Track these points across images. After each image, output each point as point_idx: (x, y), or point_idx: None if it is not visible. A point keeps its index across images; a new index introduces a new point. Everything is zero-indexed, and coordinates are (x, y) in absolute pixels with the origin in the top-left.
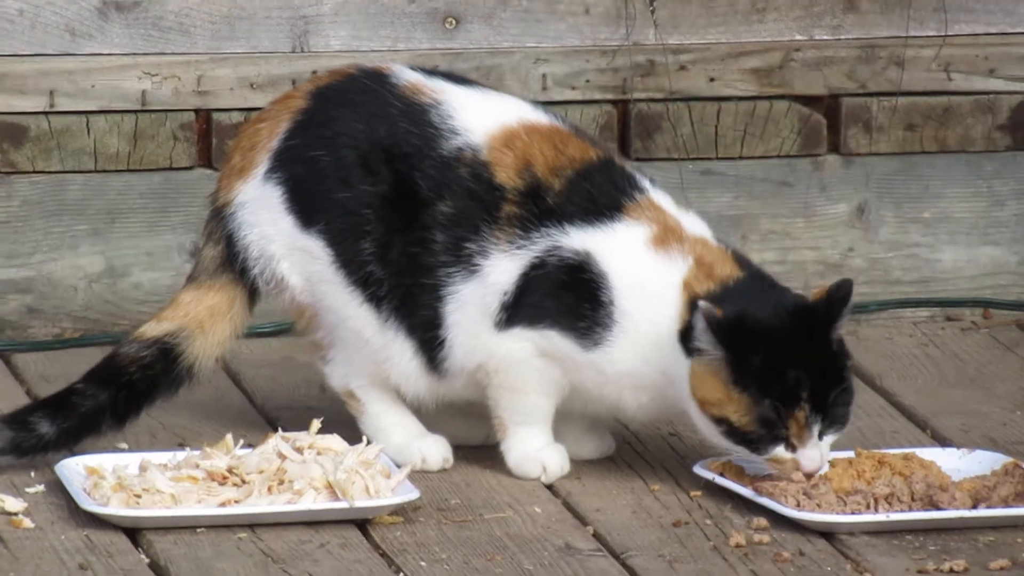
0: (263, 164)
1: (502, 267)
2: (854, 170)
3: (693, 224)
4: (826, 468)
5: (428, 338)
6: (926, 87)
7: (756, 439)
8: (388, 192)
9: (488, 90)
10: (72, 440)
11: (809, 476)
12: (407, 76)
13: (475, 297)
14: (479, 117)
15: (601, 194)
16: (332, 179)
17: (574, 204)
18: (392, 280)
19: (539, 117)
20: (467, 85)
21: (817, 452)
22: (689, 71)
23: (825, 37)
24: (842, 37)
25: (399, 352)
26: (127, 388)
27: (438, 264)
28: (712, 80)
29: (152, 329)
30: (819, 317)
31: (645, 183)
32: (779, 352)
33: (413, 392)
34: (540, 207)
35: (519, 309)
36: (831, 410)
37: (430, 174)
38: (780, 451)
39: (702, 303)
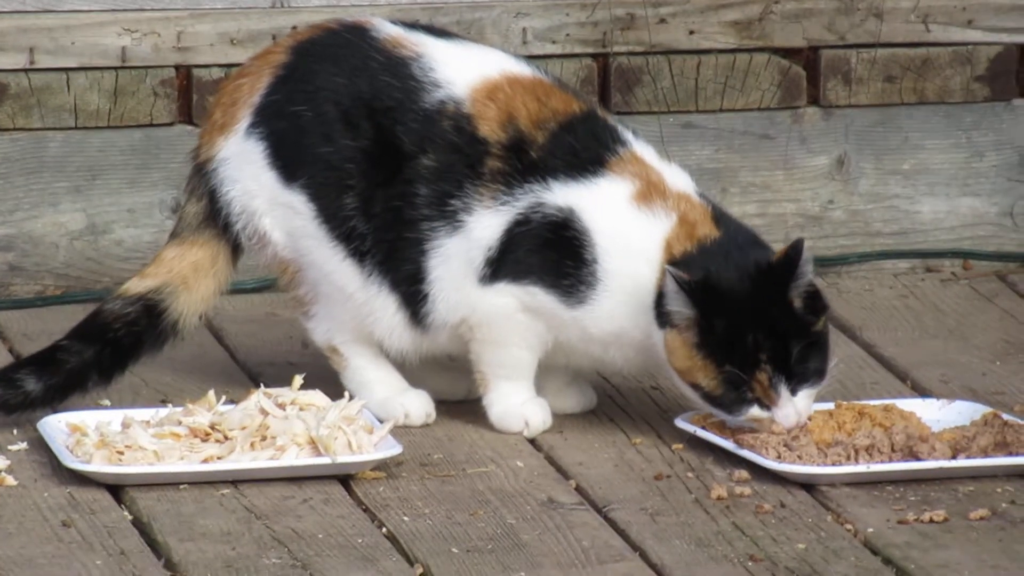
0: (245, 119)
1: (486, 223)
2: (834, 122)
3: (676, 178)
4: (805, 418)
5: (411, 292)
6: (905, 38)
7: (728, 403)
8: (370, 147)
9: (469, 43)
10: (59, 396)
11: (791, 431)
12: (387, 30)
13: (459, 252)
14: (461, 70)
15: (584, 148)
16: (314, 134)
17: (557, 158)
18: (375, 235)
19: (522, 69)
20: (448, 38)
21: (791, 409)
22: (669, 24)
23: None
24: None
25: (383, 307)
26: (112, 344)
27: (421, 218)
28: (692, 33)
29: (136, 286)
30: (775, 278)
31: (628, 136)
32: (736, 315)
33: (397, 347)
34: (523, 162)
35: (503, 265)
36: (796, 368)
37: (412, 127)
38: (756, 411)
39: (669, 267)
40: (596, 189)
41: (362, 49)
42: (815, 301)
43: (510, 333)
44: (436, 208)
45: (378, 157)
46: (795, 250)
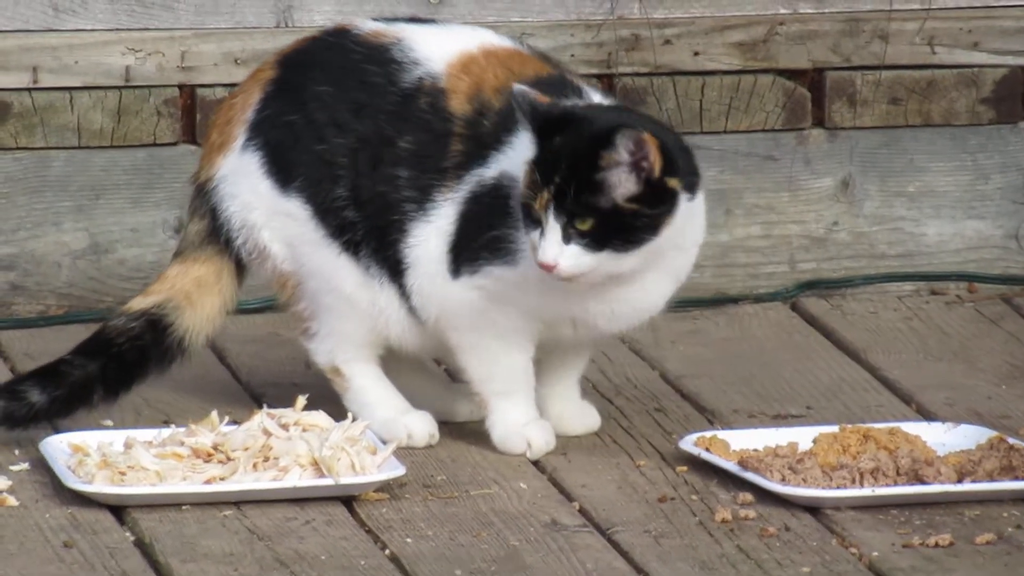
0: (240, 136)
1: (445, 210)
2: (839, 144)
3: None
4: (565, 271)
5: (401, 283)
6: (910, 60)
7: (523, 215)
8: (359, 136)
9: (452, 24)
10: (64, 410)
11: (544, 268)
12: (368, 26)
13: (430, 239)
14: (440, 46)
15: None
16: (307, 138)
17: (509, 126)
18: (367, 222)
19: (502, 43)
20: (429, 24)
21: (554, 247)
22: (674, 45)
23: (809, 10)
24: (826, 10)
25: (387, 301)
26: (116, 359)
27: (402, 200)
28: (697, 54)
29: (139, 303)
30: (598, 137)
31: (594, 95)
32: (552, 145)
33: (412, 345)
34: (479, 134)
35: (460, 253)
36: (572, 205)
37: (392, 109)
38: (535, 235)
39: (516, 86)
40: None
41: (344, 47)
42: (649, 189)
43: (485, 330)
44: (415, 190)
45: (365, 144)
46: (616, 135)
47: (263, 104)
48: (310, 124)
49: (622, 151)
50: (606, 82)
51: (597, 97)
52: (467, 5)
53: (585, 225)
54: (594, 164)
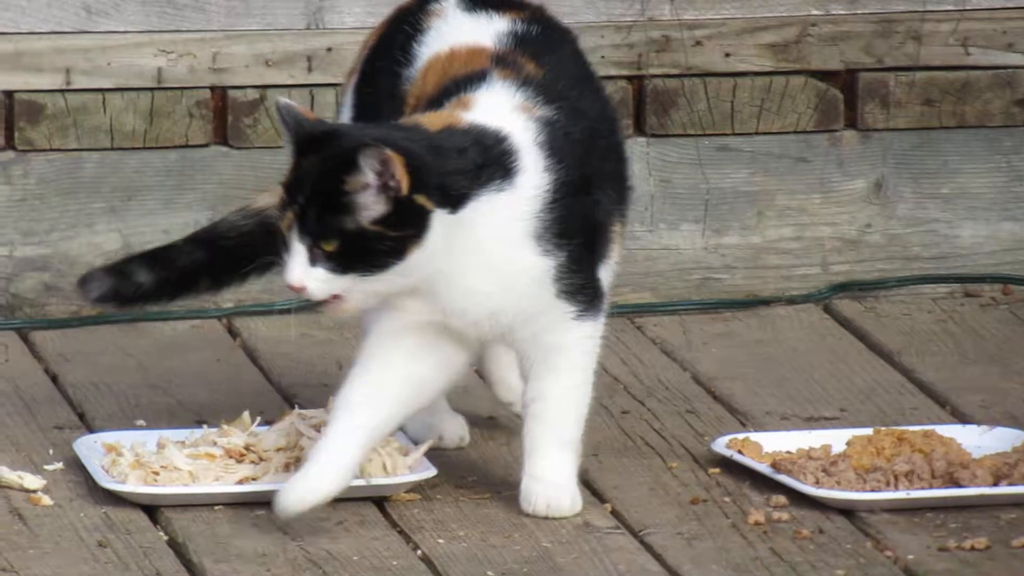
0: (356, 76)
1: None
2: (871, 145)
3: (485, 107)
4: (313, 294)
5: None
6: (944, 62)
7: (279, 236)
8: None
9: (495, 14)
10: (170, 293)
11: (293, 291)
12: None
13: None
14: (437, 44)
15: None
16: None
17: None
18: None
19: (481, 39)
20: (488, 10)
21: (297, 269)
22: (705, 46)
23: (841, 11)
24: (859, 11)
25: None
26: (225, 252)
27: None
28: (728, 55)
29: (262, 200)
30: (340, 156)
31: (505, 91)
32: (303, 159)
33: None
34: None
35: None
36: (314, 226)
37: (394, 105)
38: (285, 256)
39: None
40: None
41: (410, 19)
42: (398, 208)
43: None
44: None
45: None
46: (355, 152)
47: (368, 56)
48: (376, 97)
49: (367, 171)
50: (636, 84)
51: (505, 94)
52: None
53: (330, 247)
54: (337, 184)
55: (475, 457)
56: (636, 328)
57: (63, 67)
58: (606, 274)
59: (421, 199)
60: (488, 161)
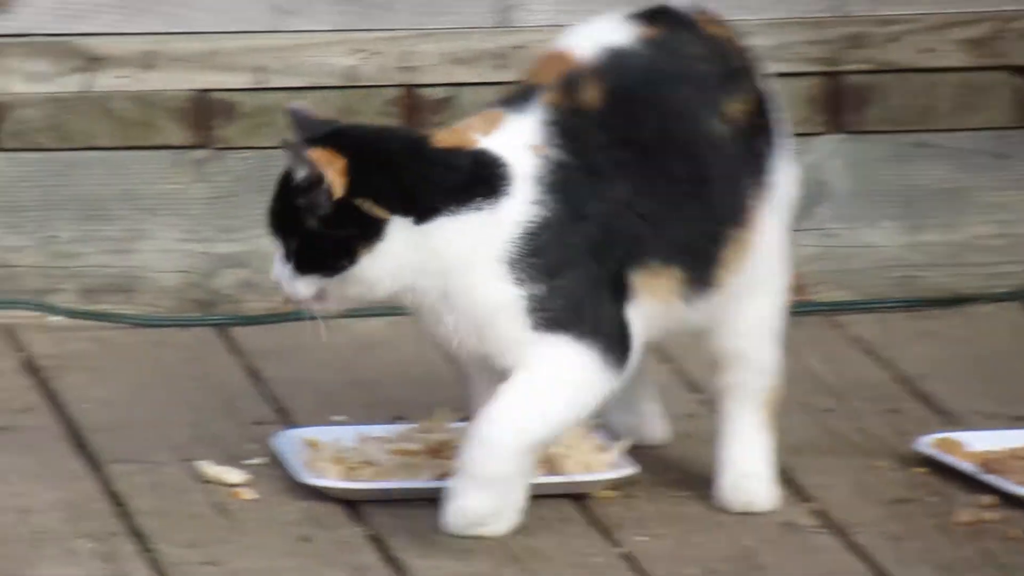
0: None
1: None
2: None
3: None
4: (289, 293)
5: None
6: None
7: None
8: None
9: (633, 26)
10: None
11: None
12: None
13: None
14: (576, 39)
15: None
16: None
17: None
18: None
19: (583, 43)
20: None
21: (276, 266)
22: (900, 42)
23: None
24: None
25: None
26: None
27: None
28: (924, 51)
29: None
30: (291, 155)
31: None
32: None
33: None
34: None
35: None
36: (280, 224)
37: None
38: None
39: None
40: None
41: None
42: (338, 210)
43: None
44: None
45: None
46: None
47: None
48: None
49: (301, 170)
50: (831, 79)
51: (532, 122)
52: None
53: (292, 245)
54: (290, 183)
55: (675, 455)
56: (836, 326)
57: (255, 66)
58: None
59: (364, 203)
60: (476, 182)
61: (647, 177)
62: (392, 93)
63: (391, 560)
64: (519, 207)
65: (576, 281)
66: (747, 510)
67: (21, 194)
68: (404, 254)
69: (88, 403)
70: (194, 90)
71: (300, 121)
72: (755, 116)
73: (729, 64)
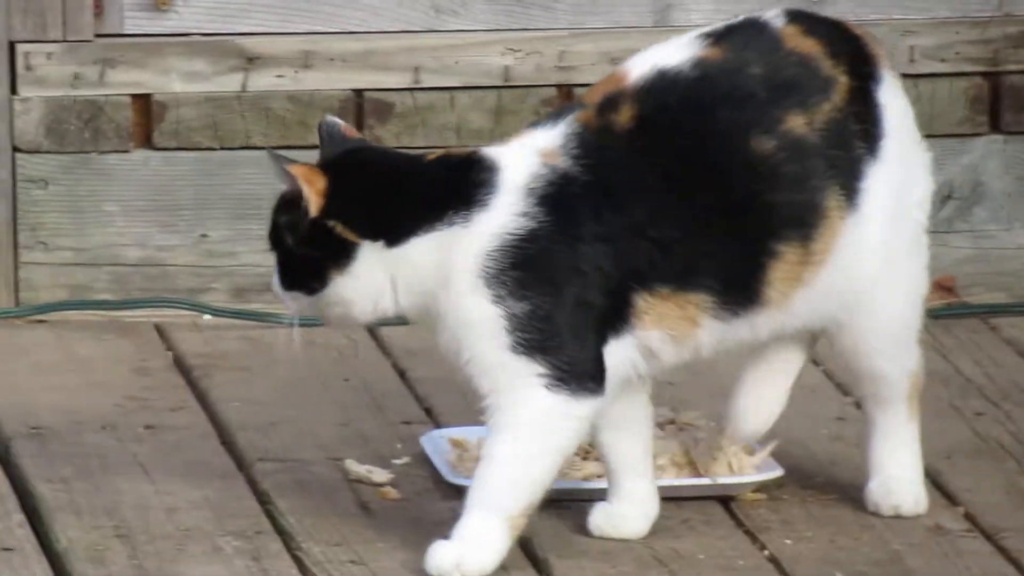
0: None
1: None
2: None
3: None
4: (283, 303)
5: None
6: None
7: None
8: None
9: (683, 40)
10: None
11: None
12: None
13: None
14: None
15: None
16: None
17: None
18: None
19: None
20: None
21: (274, 279)
22: None
23: None
24: None
25: None
26: None
27: None
28: None
29: None
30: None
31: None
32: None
33: None
34: None
35: None
36: (272, 240)
37: None
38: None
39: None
40: None
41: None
42: (312, 230)
43: None
44: None
45: None
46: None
47: None
48: None
49: (285, 186)
50: (992, 80)
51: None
52: (847, 4)
53: (279, 260)
54: (277, 200)
55: (822, 457)
56: (990, 328)
57: (412, 66)
58: (620, 351)
59: (336, 226)
60: (450, 195)
61: (668, 202)
62: (547, 93)
63: (533, 560)
64: (499, 218)
65: (560, 302)
66: (895, 514)
67: (176, 193)
68: (377, 277)
69: (236, 402)
70: (350, 90)
71: (326, 137)
72: (838, 125)
73: (803, 78)
